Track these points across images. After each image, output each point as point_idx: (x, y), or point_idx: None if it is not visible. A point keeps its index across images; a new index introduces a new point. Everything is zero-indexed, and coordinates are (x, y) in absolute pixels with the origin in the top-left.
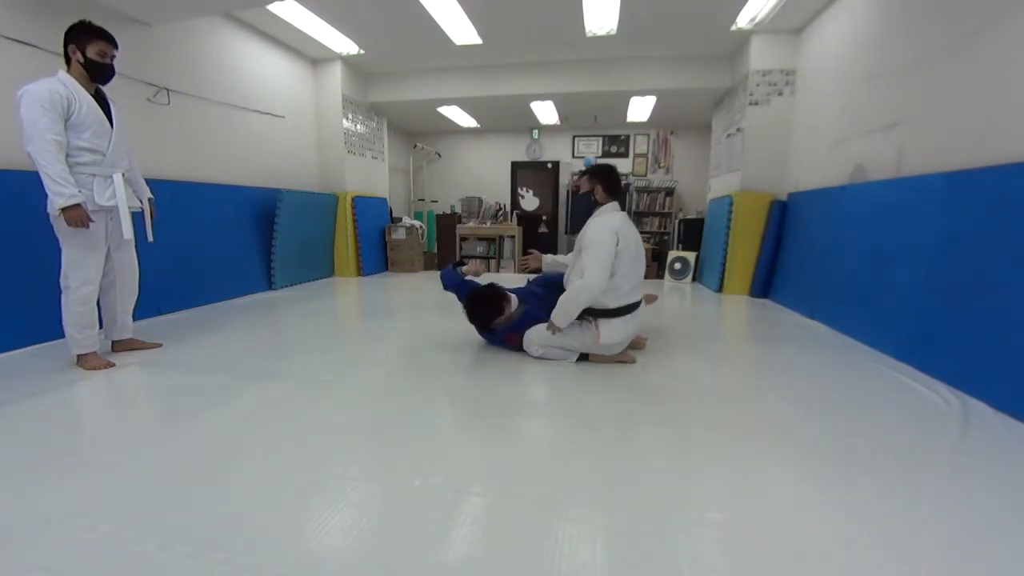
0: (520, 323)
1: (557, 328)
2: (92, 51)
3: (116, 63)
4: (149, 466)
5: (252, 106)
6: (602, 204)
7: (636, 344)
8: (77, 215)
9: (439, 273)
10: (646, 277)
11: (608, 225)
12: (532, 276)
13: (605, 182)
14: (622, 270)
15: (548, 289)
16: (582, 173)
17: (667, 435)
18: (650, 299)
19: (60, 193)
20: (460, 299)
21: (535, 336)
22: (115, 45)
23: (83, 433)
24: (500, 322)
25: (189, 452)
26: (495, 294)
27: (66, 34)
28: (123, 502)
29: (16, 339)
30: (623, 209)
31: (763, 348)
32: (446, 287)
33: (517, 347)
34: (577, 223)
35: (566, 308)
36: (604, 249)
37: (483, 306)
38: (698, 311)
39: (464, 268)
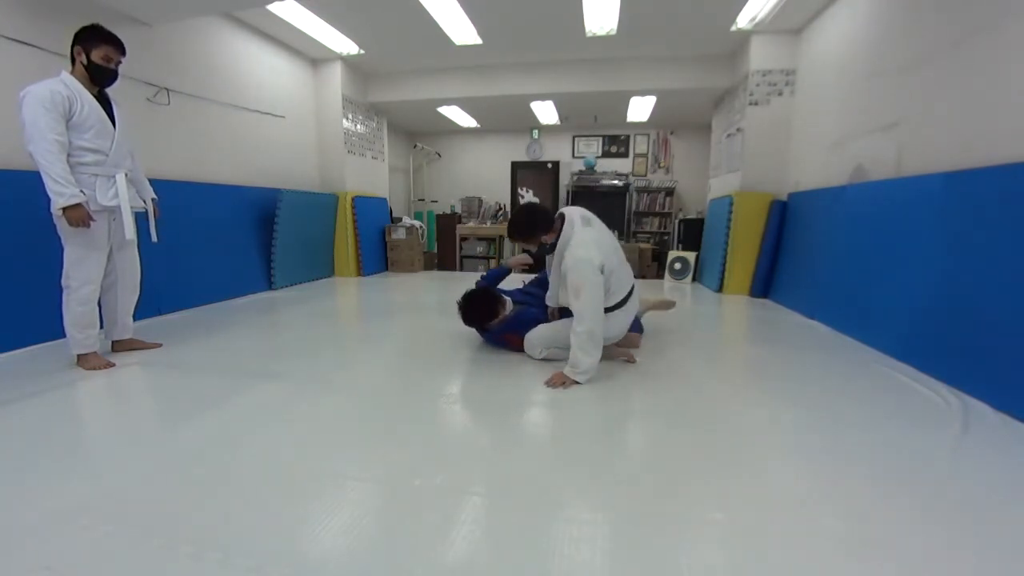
0: (515, 322)
1: (573, 382)
2: (97, 55)
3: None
4: (149, 466)
5: (252, 106)
6: (559, 238)
7: (630, 343)
8: (78, 215)
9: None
10: (647, 277)
11: (587, 261)
12: (528, 278)
13: (544, 225)
14: (614, 283)
15: (544, 288)
16: (510, 236)
17: (667, 435)
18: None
19: (61, 193)
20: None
21: (536, 339)
22: (123, 51)
23: (83, 433)
24: (494, 324)
25: (189, 452)
26: (488, 297)
27: (75, 35)
28: (123, 502)
29: (16, 339)
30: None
31: (763, 348)
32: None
33: (516, 347)
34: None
35: (582, 361)
36: (592, 290)
37: (476, 308)
38: (698, 311)
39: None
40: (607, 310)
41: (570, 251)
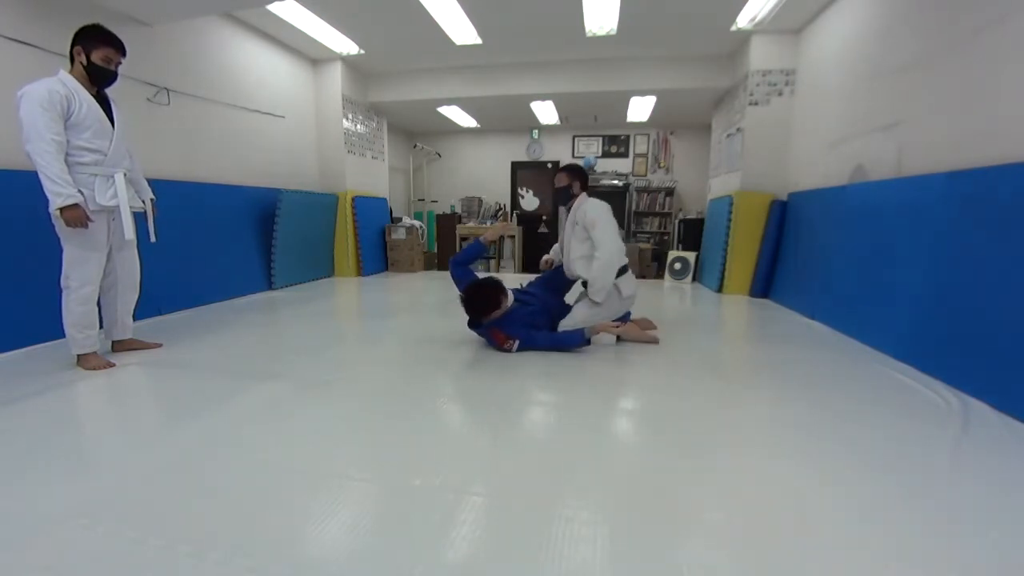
0: (505, 320)
1: (596, 303)
2: (97, 56)
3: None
4: (149, 466)
5: (252, 106)
6: (577, 195)
7: (648, 327)
8: (75, 215)
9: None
10: (647, 277)
11: (603, 204)
12: (529, 279)
13: (583, 179)
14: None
15: (544, 289)
16: (560, 168)
17: (667, 434)
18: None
19: (58, 193)
20: (459, 286)
21: (574, 322)
22: (123, 52)
23: (83, 433)
24: (496, 316)
25: (189, 452)
26: (494, 287)
27: (76, 34)
28: (123, 502)
29: (16, 339)
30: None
31: (763, 348)
32: (459, 263)
33: (499, 343)
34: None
35: (603, 281)
36: (609, 220)
37: (481, 298)
38: (698, 311)
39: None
40: (619, 273)
41: (585, 204)
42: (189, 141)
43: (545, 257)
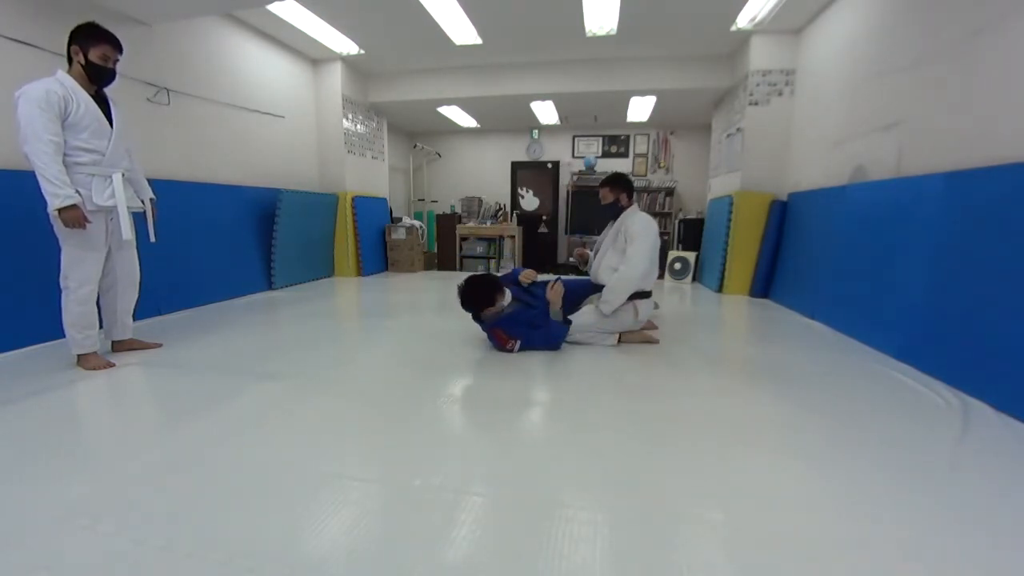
0: (508, 320)
1: (603, 315)
2: (95, 54)
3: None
4: (149, 466)
5: (252, 106)
6: (627, 207)
7: (648, 326)
8: (73, 216)
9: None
10: None
11: (651, 222)
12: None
13: (629, 190)
14: (654, 260)
15: (544, 289)
16: (602, 184)
17: (667, 435)
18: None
19: (56, 194)
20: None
21: (579, 323)
22: (119, 49)
23: (83, 433)
24: (490, 314)
25: (189, 452)
26: (489, 283)
27: (71, 34)
28: (123, 502)
29: (16, 339)
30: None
31: (763, 348)
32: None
33: (499, 343)
34: (598, 224)
35: (616, 295)
36: (651, 241)
37: (475, 293)
38: (698, 311)
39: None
40: (642, 295)
41: (634, 216)
42: (189, 141)
43: (579, 250)
